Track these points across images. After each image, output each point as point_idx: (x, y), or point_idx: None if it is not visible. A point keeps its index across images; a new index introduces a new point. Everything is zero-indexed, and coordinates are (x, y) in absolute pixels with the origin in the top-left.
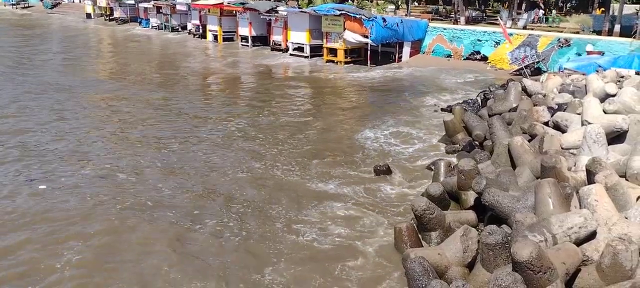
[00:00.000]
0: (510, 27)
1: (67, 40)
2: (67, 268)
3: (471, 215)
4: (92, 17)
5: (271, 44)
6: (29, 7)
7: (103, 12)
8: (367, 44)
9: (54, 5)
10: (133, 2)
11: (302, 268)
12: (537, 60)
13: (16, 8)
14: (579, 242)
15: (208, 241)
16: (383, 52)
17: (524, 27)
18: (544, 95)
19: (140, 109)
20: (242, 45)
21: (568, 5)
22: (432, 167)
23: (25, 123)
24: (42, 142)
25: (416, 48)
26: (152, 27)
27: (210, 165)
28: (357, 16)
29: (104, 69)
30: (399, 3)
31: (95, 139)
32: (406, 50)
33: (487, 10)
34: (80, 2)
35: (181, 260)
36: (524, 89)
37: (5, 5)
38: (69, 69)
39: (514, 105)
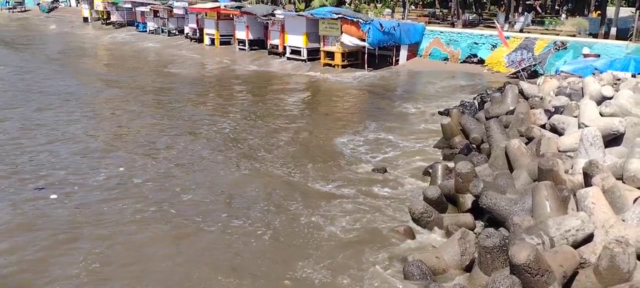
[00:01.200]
0: (507, 30)
1: (67, 49)
2: (87, 275)
3: (469, 218)
4: (89, 21)
5: (268, 48)
6: (25, 10)
7: (100, 16)
8: (364, 47)
9: (51, 9)
10: (130, 5)
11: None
12: (533, 63)
13: (13, 12)
14: (577, 245)
15: (237, 240)
16: (380, 56)
17: (521, 30)
18: (541, 98)
19: (143, 114)
20: (240, 48)
21: (564, 8)
22: (430, 171)
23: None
24: (46, 148)
25: (413, 51)
26: (149, 30)
27: (217, 167)
28: (354, 19)
29: (104, 73)
30: (395, 7)
31: (101, 143)
32: (403, 53)
33: (483, 14)
34: (77, 5)
35: (213, 261)
36: (521, 92)
37: (2, 10)
38: (70, 75)
39: (511, 108)
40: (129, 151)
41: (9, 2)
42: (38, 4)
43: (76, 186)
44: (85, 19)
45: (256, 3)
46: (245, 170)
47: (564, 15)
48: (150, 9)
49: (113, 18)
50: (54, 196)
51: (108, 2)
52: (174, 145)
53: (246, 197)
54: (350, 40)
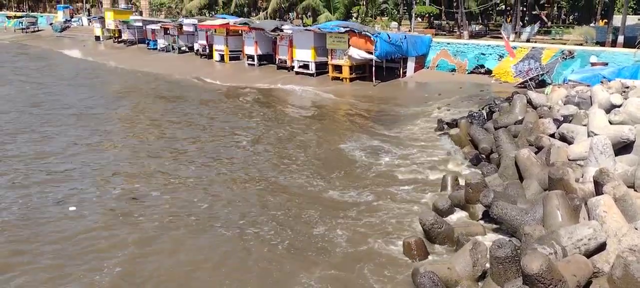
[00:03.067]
0: (514, 41)
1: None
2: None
3: (480, 228)
4: (101, 39)
5: (277, 62)
6: (38, 30)
7: (112, 34)
8: (371, 60)
9: (64, 29)
10: (141, 24)
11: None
12: (541, 72)
13: (26, 32)
14: (589, 254)
15: (257, 248)
16: (387, 68)
17: (527, 40)
18: (549, 108)
19: (158, 127)
20: (249, 64)
21: (571, 17)
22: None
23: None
24: (65, 163)
25: (420, 63)
26: (159, 48)
27: (234, 178)
28: (362, 33)
29: (118, 88)
30: (402, 19)
31: (119, 158)
32: (410, 65)
33: (490, 25)
34: (89, 24)
35: (225, 271)
36: (529, 102)
37: (15, 31)
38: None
39: (520, 117)
40: (143, 164)
41: (22, 23)
42: (51, 24)
43: (94, 198)
44: (98, 38)
45: (264, 19)
46: (261, 181)
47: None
48: (160, 27)
49: (124, 36)
50: (72, 208)
51: (119, 21)
52: (194, 155)
53: (263, 206)
54: (358, 53)
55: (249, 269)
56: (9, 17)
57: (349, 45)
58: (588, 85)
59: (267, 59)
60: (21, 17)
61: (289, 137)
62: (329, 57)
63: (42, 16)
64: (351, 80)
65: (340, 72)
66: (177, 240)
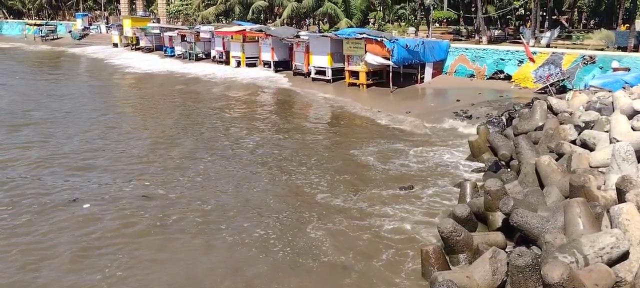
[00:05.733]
0: (533, 46)
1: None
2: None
3: (499, 237)
4: (119, 46)
5: (293, 69)
6: (57, 38)
7: (129, 41)
8: (388, 66)
9: (82, 36)
10: (158, 31)
11: None
12: (561, 78)
13: (45, 40)
14: (611, 263)
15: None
16: (405, 74)
17: (548, 45)
18: (570, 113)
19: (172, 129)
20: (265, 69)
21: (592, 21)
22: (458, 188)
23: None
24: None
25: (438, 69)
26: (176, 55)
27: (243, 181)
28: (378, 39)
29: (132, 95)
30: (419, 25)
31: (135, 159)
32: (428, 71)
33: (509, 29)
34: (107, 32)
35: (223, 273)
36: (550, 108)
37: (34, 38)
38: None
39: (540, 123)
40: (158, 164)
41: (41, 31)
42: (69, 32)
43: (107, 196)
44: (115, 45)
45: (281, 26)
46: (273, 185)
47: None
48: (177, 34)
49: (142, 43)
50: (86, 206)
51: (137, 28)
52: (207, 159)
53: (274, 210)
54: (374, 59)
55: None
56: (28, 25)
57: (366, 51)
58: (610, 91)
59: (283, 65)
60: (41, 25)
61: (304, 142)
62: (346, 63)
63: (61, 24)
64: (368, 86)
65: (357, 78)
66: (185, 242)
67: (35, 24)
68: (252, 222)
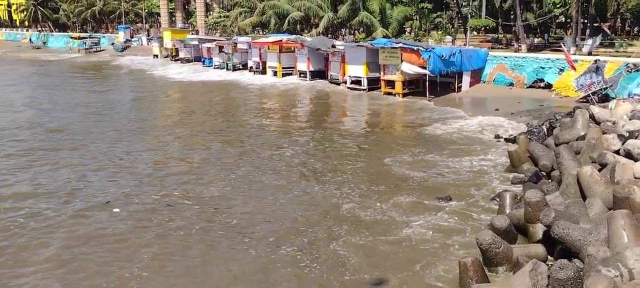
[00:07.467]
0: (574, 53)
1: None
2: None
3: (540, 249)
4: (159, 57)
5: (329, 78)
6: (100, 50)
7: (169, 53)
8: (425, 75)
9: (124, 48)
10: (196, 42)
11: None
12: (604, 86)
13: (89, 52)
14: None
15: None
16: (442, 83)
17: (589, 53)
18: (614, 123)
19: (207, 137)
20: (301, 79)
21: (636, 28)
22: (497, 199)
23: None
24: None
25: (476, 77)
26: (214, 65)
27: (274, 190)
28: (414, 48)
29: (171, 104)
30: (456, 33)
31: (167, 166)
32: (466, 79)
33: (549, 37)
34: (148, 44)
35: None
36: (592, 117)
37: (79, 50)
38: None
39: (582, 133)
40: (191, 172)
41: (85, 43)
42: (112, 44)
43: (136, 200)
44: (156, 56)
45: (316, 36)
46: (305, 194)
47: None
48: (215, 45)
49: (181, 54)
50: (116, 210)
51: (177, 40)
52: (241, 165)
53: (303, 222)
54: (410, 68)
55: None
56: (73, 38)
57: (402, 61)
58: None
59: (318, 75)
60: (85, 38)
61: (338, 150)
62: (381, 72)
63: (104, 36)
64: (404, 95)
65: (393, 88)
66: (207, 252)
67: (79, 37)
68: (279, 235)
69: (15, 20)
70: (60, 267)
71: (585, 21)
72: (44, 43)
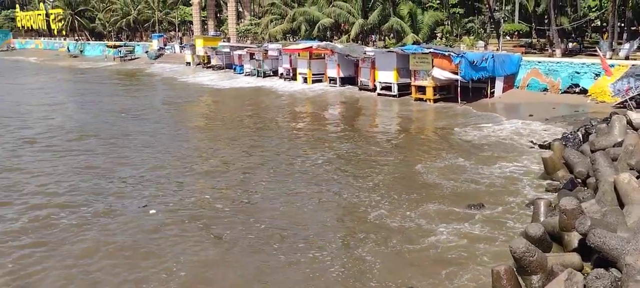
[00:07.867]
0: (611, 58)
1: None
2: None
3: (575, 258)
4: (192, 65)
5: (359, 84)
6: (135, 58)
7: (201, 60)
8: (456, 80)
9: (158, 56)
10: (228, 50)
11: None
12: None
13: (123, 60)
14: None
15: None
16: (474, 88)
17: (626, 58)
18: None
19: (241, 141)
20: (331, 85)
21: None
22: (531, 207)
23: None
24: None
25: (509, 83)
26: (245, 72)
27: (300, 198)
28: (446, 53)
29: (203, 109)
30: (489, 38)
31: (196, 170)
32: (498, 85)
33: (584, 42)
34: (180, 51)
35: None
36: (630, 123)
37: (114, 58)
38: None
39: (619, 139)
40: (222, 177)
41: (120, 52)
42: (146, 52)
43: (170, 204)
44: (188, 63)
45: (346, 42)
46: (335, 200)
47: None
48: (246, 52)
49: (213, 61)
50: (152, 211)
51: (209, 47)
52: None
53: (332, 227)
54: (441, 73)
55: None
56: (109, 47)
57: (433, 66)
58: None
59: (348, 81)
60: (119, 46)
61: (369, 156)
62: (412, 78)
63: (138, 45)
64: (435, 101)
65: (424, 93)
66: (235, 258)
67: (114, 46)
68: (308, 240)
69: (54, 29)
70: (97, 262)
71: (622, 25)
72: (81, 51)
